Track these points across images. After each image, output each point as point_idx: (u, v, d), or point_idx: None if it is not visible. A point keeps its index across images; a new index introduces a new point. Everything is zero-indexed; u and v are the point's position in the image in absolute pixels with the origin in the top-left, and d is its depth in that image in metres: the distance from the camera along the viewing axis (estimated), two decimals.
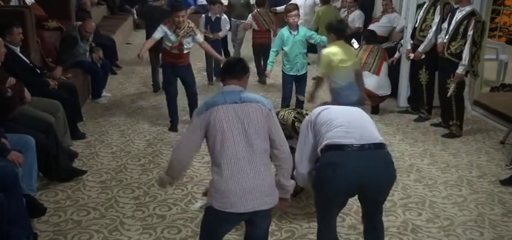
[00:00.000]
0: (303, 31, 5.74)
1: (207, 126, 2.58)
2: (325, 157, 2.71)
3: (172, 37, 5.30)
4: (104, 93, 6.84)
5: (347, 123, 2.75)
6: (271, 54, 5.81)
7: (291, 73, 5.72)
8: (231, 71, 2.75)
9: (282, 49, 5.69)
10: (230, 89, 2.70)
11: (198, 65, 8.05)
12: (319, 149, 2.77)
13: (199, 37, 5.63)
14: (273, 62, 5.84)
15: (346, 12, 8.15)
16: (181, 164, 2.70)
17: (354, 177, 2.63)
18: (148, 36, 7.28)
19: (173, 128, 5.68)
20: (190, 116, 5.38)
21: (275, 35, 8.30)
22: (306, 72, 5.79)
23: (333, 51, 4.73)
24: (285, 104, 5.77)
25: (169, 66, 5.55)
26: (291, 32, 5.61)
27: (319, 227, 2.97)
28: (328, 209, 2.84)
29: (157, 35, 5.38)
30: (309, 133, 2.88)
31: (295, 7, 5.72)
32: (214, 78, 7.77)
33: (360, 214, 3.85)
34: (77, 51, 6.49)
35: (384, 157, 2.71)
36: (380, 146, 2.70)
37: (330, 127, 2.75)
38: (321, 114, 2.88)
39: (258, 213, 2.57)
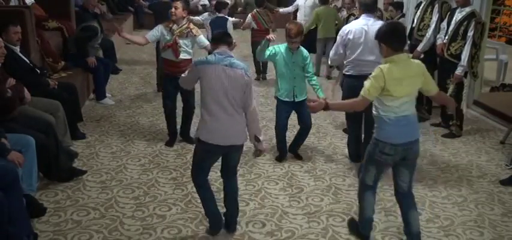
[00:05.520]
0: (305, 53, 4.77)
1: (200, 77, 3.37)
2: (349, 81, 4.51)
3: (168, 36, 5.01)
4: (108, 94, 6.83)
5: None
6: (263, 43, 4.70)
7: (287, 99, 4.75)
8: (221, 39, 3.48)
9: (274, 67, 4.84)
10: (222, 50, 3.40)
11: None
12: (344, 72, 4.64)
13: (202, 39, 5.16)
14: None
15: (345, 13, 8.15)
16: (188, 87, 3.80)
17: None
18: None
19: (170, 142, 5.29)
20: (181, 129, 5.35)
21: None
22: (306, 98, 4.72)
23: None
24: (280, 134, 4.93)
25: (168, 77, 5.12)
26: (291, 51, 4.69)
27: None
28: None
29: (152, 34, 5.12)
30: (341, 47, 4.55)
31: (298, 34, 4.62)
32: None
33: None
34: (93, 43, 6.67)
35: None
36: None
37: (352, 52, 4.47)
38: (350, 37, 4.46)
39: (231, 148, 3.43)
